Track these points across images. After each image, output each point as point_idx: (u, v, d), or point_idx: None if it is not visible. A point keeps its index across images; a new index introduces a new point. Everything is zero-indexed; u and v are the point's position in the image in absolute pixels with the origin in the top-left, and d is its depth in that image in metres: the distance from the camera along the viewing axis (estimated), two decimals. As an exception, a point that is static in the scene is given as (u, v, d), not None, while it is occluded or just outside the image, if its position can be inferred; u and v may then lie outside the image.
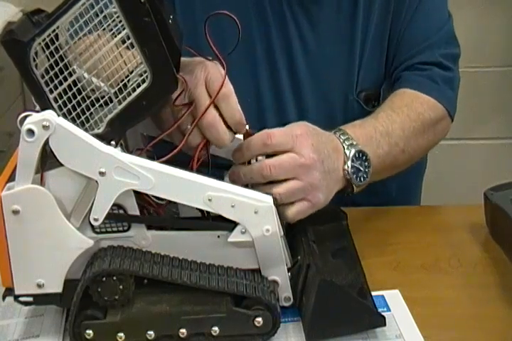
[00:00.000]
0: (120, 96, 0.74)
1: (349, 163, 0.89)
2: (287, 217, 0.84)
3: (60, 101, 0.73)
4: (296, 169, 0.83)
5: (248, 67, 1.08)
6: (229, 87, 0.81)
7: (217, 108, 0.81)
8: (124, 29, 0.72)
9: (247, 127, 0.84)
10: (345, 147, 0.90)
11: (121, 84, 0.74)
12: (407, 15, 1.08)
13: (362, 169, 0.90)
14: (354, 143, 0.91)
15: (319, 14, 1.07)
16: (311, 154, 0.84)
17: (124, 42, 0.72)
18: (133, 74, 0.74)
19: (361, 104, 1.11)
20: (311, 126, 0.88)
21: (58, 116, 0.72)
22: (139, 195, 0.76)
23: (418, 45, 1.09)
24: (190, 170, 0.79)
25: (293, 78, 1.09)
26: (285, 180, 0.83)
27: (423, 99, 1.06)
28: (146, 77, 0.73)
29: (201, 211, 0.80)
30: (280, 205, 0.82)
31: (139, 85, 0.74)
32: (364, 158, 0.91)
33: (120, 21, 0.71)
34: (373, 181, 0.97)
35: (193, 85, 0.80)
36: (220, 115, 0.81)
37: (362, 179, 0.90)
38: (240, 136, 0.85)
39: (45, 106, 0.73)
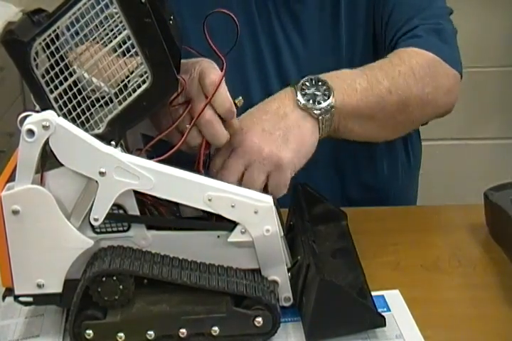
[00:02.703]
0: (120, 97, 0.74)
1: (299, 93, 0.87)
2: (275, 192, 0.84)
3: (60, 102, 0.74)
4: (232, 154, 0.84)
5: (237, 69, 1.07)
6: (215, 74, 0.80)
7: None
8: (124, 30, 0.72)
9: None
10: (294, 83, 0.89)
11: (121, 85, 0.74)
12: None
13: (319, 93, 0.88)
14: (306, 77, 0.89)
15: (302, 12, 1.06)
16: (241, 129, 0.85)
17: (124, 42, 0.72)
18: (133, 74, 0.74)
19: None
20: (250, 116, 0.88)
21: (58, 116, 0.72)
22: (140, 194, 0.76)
23: (400, 19, 1.03)
24: (197, 172, 0.80)
25: (282, 78, 1.08)
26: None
27: (408, 50, 0.99)
28: (147, 77, 0.73)
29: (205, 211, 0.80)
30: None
31: (139, 86, 0.74)
32: (320, 83, 0.88)
33: (121, 22, 0.72)
34: (375, 135, 0.96)
35: (188, 84, 0.80)
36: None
37: (321, 101, 0.87)
38: None
39: (46, 106, 0.73)
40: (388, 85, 0.93)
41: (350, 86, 0.90)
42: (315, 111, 0.87)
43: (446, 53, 1.00)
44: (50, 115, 0.71)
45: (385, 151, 1.12)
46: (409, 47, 1.00)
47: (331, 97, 0.88)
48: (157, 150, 0.80)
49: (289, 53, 1.08)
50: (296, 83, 0.89)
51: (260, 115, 0.87)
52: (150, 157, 0.78)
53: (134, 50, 0.72)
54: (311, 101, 0.87)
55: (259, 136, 0.85)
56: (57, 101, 0.73)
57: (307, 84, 0.88)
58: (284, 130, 0.86)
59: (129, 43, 0.72)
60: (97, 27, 0.72)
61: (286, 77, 1.08)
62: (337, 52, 1.08)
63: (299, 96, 0.87)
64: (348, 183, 1.13)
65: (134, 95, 0.74)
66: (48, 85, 0.73)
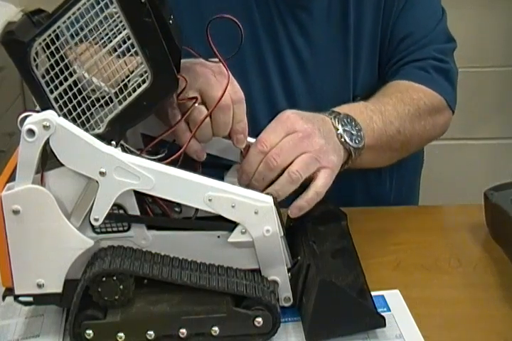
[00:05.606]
0: (120, 97, 0.74)
1: (340, 127, 0.90)
2: (319, 191, 0.84)
3: (60, 102, 0.74)
4: (299, 145, 0.84)
5: (239, 77, 1.06)
6: (241, 93, 0.82)
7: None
8: (124, 29, 0.72)
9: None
10: (332, 117, 0.91)
11: (121, 85, 0.74)
12: (396, 15, 1.07)
13: (354, 132, 0.91)
14: (340, 112, 0.92)
15: (309, 22, 1.06)
16: (304, 126, 0.85)
17: (124, 42, 0.72)
18: (133, 74, 0.74)
19: None
20: (295, 110, 0.89)
21: (59, 116, 0.72)
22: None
23: (411, 44, 1.09)
24: None
25: (286, 87, 1.08)
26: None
27: (418, 87, 1.06)
28: (147, 77, 0.73)
29: None
30: (302, 187, 0.83)
31: (139, 85, 0.74)
32: (353, 122, 0.92)
33: (121, 21, 0.71)
34: (373, 165, 0.99)
35: (209, 87, 0.81)
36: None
37: (357, 141, 0.91)
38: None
39: (46, 106, 0.73)
40: (398, 126, 1.00)
41: (369, 126, 0.96)
42: (352, 151, 0.91)
43: (450, 96, 1.09)
44: (50, 115, 0.71)
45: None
46: (420, 83, 1.06)
47: (363, 138, 0.92)
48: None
49: (294, 61, 1.07)
50: (331, 115, 0.91)
51: (312, 118, 0.88)
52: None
53: (134, 49, 0.72)
54: (349, 139, 0.90)
55: (317, 132, 0.86)
56: (57, 101, 0.73)
57: (345, 120, 0.91)
58: (334, 144, 0.88)
59: (128, 43, 0.72)
60: (96, 27, 0.72)
61: (291, 85, 1.08)
62: (345, 59, 1.08)
63: (340, 130, 0.90)
64: (354, 193, 1.13)
65: (134, 95, 0.74)
66: (48, 85, 0.73)
